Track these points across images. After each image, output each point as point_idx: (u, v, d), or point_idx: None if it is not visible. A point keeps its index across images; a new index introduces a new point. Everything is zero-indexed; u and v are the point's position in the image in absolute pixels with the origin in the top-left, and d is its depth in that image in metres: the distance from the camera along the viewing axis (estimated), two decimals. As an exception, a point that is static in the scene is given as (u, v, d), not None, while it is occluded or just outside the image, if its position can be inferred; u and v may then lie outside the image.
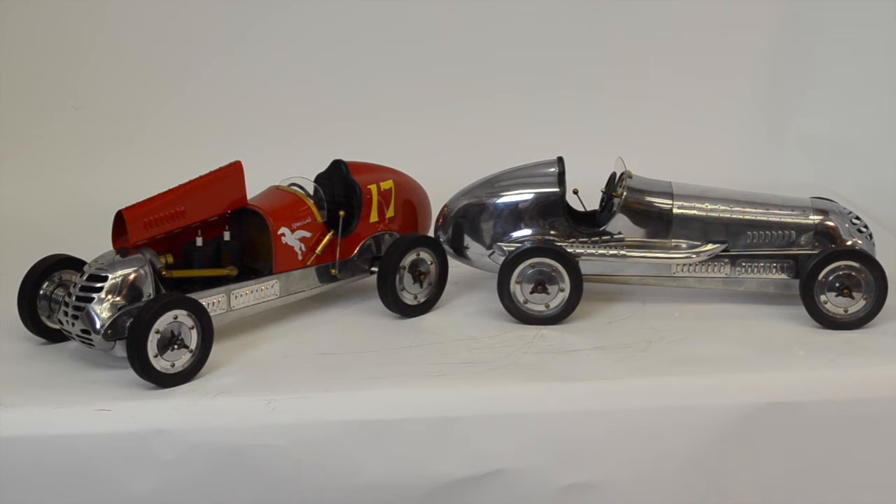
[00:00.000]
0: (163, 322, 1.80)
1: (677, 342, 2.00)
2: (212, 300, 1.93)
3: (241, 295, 1.98)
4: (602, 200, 2.23)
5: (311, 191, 2.11)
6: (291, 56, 3.09)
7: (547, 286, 2.08)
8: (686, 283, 2.15)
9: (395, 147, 2.83)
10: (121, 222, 1.89)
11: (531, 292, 2.08)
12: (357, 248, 2.14)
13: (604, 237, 2.13)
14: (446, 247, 2.18)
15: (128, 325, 1.81)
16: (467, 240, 2.17)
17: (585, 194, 2.18)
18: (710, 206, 2.13)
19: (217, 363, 1.89)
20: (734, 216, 2.13)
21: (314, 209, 2.08)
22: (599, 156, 2.32)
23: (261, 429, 1.75)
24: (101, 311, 1.83)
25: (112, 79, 3.03)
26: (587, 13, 3.11)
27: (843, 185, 2.88)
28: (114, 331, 1.82)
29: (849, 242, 2.12)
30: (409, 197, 2.23)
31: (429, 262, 2.15)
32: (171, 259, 1.94)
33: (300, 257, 2.06)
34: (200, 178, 1.99)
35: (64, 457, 1.71)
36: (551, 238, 2.13)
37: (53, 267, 1.96)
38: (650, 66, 3.13)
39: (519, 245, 2.11)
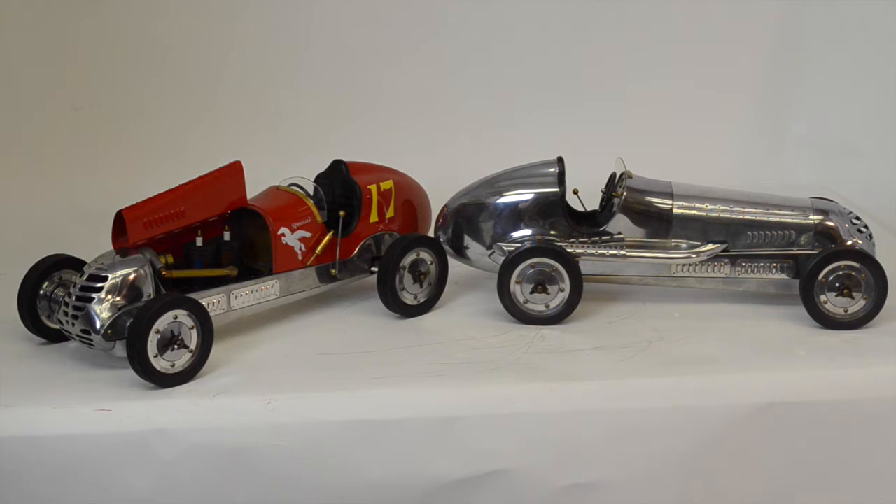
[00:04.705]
0: (163, 322, 1.80)
1: (677, 342, 2.00)
2: (212, 300, 1.93)
3: (241, 295, 1.98)
4: (602, 200, 2.23)
5: (311, 191, 2.11)
6: (291, 56, 3.09)
7: (547, 286, 2.08)
8: (686, 283, 2.15)
9: (395, 147, 2.84)
10: (121, 222, 1.89)
11: (531, 292, 2.08)
12: (357, 248, 2.14)
13: (604, 237, 2.13)
14: (446, 247, 2.18)
15: (128, 325, 1.81)
16: (467, 240, 2.17)
17: (585, 194, 2.18)
18: (710, 206, 2.13)
19: (217, 363, 1.89)
20: (734, 216, 2.13)
21: (314, 209, 2.08)
22: (599, 156, 2.32)
23: (261, 429, 1.75)
24: (101, 311, 1.83)
25: (112, 79, 3.03)
26: (587, 13, 3.11)
27: (843, 185, 2.88)
28: (114, 331, 1.82)
29: (849, 242, 2.12)
30: (409, 197, 2.23)
31: (429, 262, 2.15)
32: (171, 259, 1.94)
33: (300, 257, 2.06)
34: (200, 178, 1.99)
35: (64, 457, 1.71)
36: (551, 238, 2.13)
37: (53, 267, 1.96)
38: (650, 66, 3.13)
39: (519, 245, 2.11)
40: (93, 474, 1.72)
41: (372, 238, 2.16)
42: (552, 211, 2.13)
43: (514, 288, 2.08)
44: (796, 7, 3.09)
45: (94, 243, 2.02)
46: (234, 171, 2.01)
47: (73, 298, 1.85)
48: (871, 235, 2.16)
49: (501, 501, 1.80)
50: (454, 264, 2.20)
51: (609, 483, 1.81)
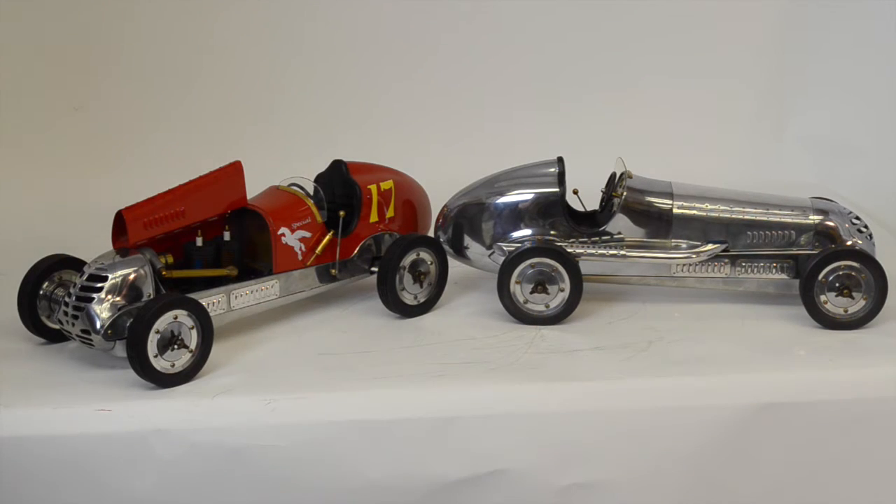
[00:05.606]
0: (163, 322, 1.80)
1: (677, 342, 2.00)
2: (212, 300, 1.93)
3: (241, 295, 1.98)
4: (602, 200, 2.23)
5: (311, 191, 2.11)
6: (292, 56, 3.09)
7: (547, 286, 2.08)
8: (686, 283, 2.15)
9: (395, 147, 2.83)
10: (121, 222, 1.89)
11: (531, 292, 2.08)
12: (357, 248, 2.14)
13: (604, 237, 2.13)
14: (446, 247, 2.18)
15: (128, 325, 1.81)
16: (467, 240, 2.17)
17: (585, 194, 2.18)
18: (710, 206, 2.13)
19: (217, 363, 1.89)
20: (734, 216, 2.13)
21: (314, 209, 2.08)
22: (599, 156, 2.32)
23: (261, 429, 1.75)
24: (101, 311, 1.83)
25: (112, 79, 3.03)
26: (587, 14, 3.11)
27: (843, 185, 2.88)
28: (114, 331, 1.82)
29: (849, 242, 2.12)
30: (409, 197, 2.23)
31: (429, 262, 2.15)
32: (171, 259, 1.94)
33: (300, 257, 2.06)
34: (200, 178, 1.99)
35: (64, 457, 1.71)
36: (551, 238, 2.13)
37: (53, 267, 1.96)
38: (650, 66, 3.13)
39: (519, 245, 2.11)
40: (93, 474, 1.72)
41: (372, 238, 2.16)
42: (552, 211, 2.13)
43: (514, 288, 2.08)
44: (797, 7, 3.09)
45: (94, 243, 2.02)
46: (234, 171, 2.01)
47: (73, 298, 1.85)
48: (871, 235, 2.16)
49: (501, 501, 1.80)
50: (454, 264, 2.20)
51: (609, 483, 1.81)
